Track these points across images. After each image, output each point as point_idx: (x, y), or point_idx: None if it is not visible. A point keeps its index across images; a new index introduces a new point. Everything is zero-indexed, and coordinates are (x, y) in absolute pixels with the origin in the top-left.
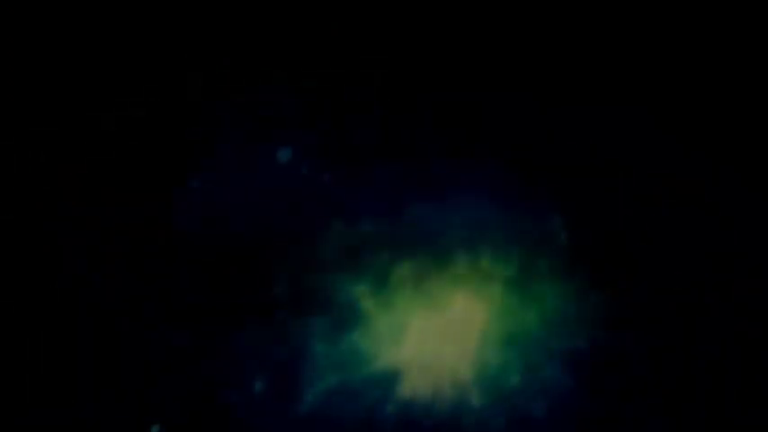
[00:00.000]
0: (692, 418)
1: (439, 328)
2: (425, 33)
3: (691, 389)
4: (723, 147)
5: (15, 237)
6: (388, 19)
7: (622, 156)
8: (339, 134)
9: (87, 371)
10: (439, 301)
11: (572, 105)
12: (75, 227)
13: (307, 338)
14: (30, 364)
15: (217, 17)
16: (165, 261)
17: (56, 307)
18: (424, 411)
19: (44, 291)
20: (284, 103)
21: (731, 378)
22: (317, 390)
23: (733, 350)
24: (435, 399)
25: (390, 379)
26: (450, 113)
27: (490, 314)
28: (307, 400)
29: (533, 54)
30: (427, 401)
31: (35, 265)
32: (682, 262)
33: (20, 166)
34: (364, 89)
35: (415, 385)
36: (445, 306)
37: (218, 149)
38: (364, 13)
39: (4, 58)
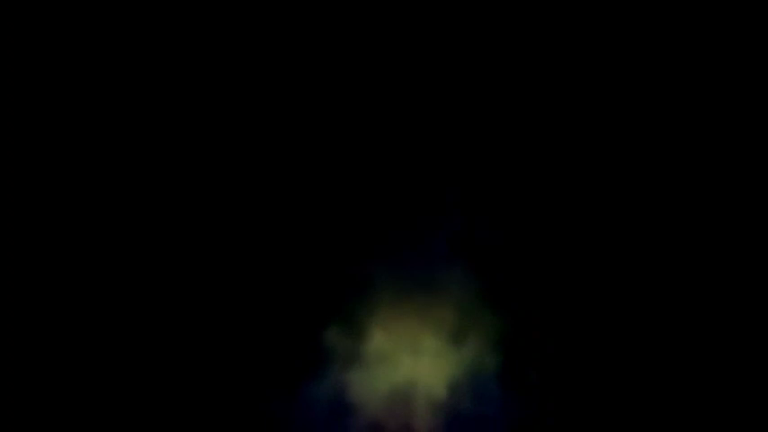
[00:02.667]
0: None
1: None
2: (427, 33)
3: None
4: (723, 147)
5: (15, 236)
6: (389, 19)
7: (622, 156)
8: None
9: (88, 371)
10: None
11: (572, 105)
12: (76, 227)
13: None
14: (30, 363)
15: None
16: (165, 261)
17: (56, 307)
18: None
19: (44, 290)
20: None
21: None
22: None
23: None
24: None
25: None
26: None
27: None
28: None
29: (533, 54)
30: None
31: (35, 265)
32: (680, 264)
33: (20, 166)
34: (364, 89)
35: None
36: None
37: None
38: (365, 14)
39: (4, 58)
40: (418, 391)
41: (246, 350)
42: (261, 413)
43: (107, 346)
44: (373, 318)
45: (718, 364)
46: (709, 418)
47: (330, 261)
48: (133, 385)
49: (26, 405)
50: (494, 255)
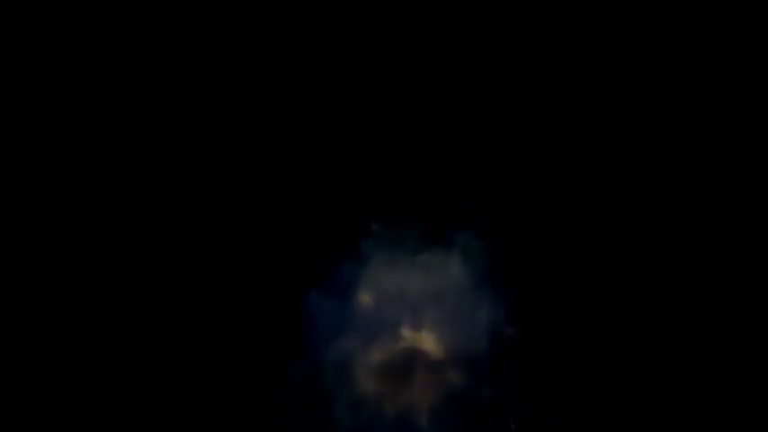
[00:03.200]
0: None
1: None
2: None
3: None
4: (723, 147)
5: (15, 237)
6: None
7: (621, 157)
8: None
9: (90, 371)
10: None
11: (572, 107)
12: (78, 228)
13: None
14: (31, 364)
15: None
16: (165, 262)
17: (57, 307)
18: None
19: (46, 291)
20: None
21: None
22: None
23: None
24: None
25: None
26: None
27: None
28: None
29: (533, 55)
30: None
31: (35, 266)
32: (678, 264)
33: (20, 166)
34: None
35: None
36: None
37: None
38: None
39: (6, 59)
40: (419, 364)
41: (243, 320)
42: (256, 387)
43: (97, 334)
44: (374, 290)
45: (719, 333)
46: (711, 385)
47: (330, 233)
48: (123, 368)
49: (20, 404)
50: (499, 231)
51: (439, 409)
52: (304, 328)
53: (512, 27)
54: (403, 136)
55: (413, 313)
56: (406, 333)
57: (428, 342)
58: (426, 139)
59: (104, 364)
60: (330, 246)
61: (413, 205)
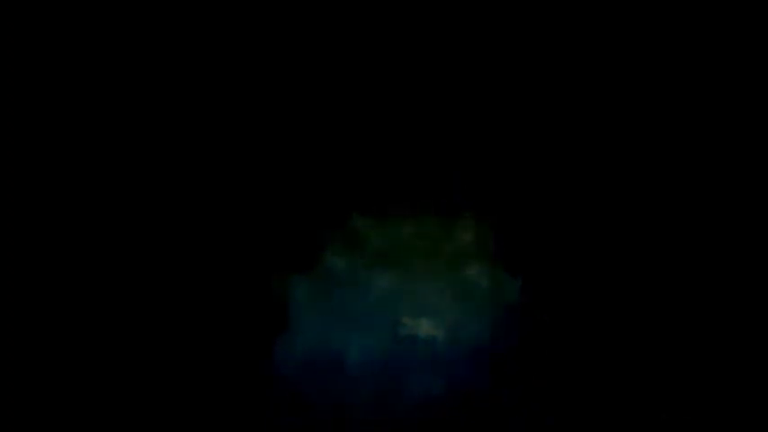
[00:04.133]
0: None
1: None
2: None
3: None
4: (723, 147)
5: (15, 237)
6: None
7: (623, 157)
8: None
9: (90, 372)
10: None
11: (572, 108)
12: (76, 228)
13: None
14: (31, 364)
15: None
16: (165, 262)
17: (58, 308)
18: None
19: (46, 291)
20: None
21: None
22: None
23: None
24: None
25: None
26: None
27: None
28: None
29: (533, 56)
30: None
31: (35, 266)
32: (677, 264)
33: (20, 166)
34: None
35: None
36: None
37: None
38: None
39: (6, 60)
40: (417, 344)
41: (223, 311)
42: (244, 369)
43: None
44: (370, 271)
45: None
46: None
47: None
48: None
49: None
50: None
51: (439, 407)
52: (291, 319)
53: (511, 27)
54: (403, 135)
55: (412, 301)
56: (406, 321)
57: (428, 331)
58: (426, 139)
59: (80, 370)
60: (318, 236)
61: (411, 203)
